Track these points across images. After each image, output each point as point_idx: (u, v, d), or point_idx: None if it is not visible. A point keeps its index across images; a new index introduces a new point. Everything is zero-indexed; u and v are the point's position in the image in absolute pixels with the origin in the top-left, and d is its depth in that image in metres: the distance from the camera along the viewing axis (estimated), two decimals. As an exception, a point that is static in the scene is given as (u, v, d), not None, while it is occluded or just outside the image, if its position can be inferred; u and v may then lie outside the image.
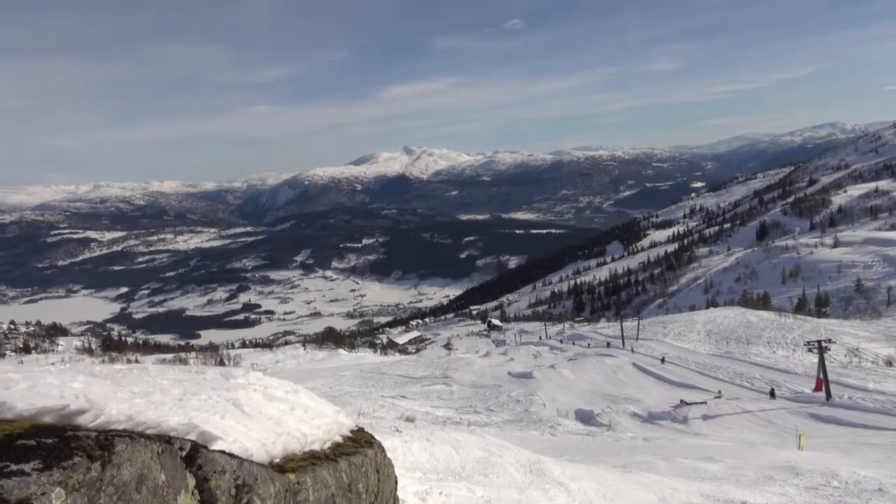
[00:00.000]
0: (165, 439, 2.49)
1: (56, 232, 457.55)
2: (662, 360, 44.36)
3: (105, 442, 2.16)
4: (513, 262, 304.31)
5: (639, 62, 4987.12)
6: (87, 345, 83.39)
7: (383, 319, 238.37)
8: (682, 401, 31.18)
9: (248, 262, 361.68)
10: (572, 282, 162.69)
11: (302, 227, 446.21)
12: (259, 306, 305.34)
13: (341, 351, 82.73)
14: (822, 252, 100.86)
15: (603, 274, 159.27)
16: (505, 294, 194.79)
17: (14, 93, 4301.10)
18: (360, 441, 4.36)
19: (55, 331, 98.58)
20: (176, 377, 3.98)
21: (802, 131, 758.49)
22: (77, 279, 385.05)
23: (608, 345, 59.15)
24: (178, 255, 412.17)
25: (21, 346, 78.69)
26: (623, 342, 57.37)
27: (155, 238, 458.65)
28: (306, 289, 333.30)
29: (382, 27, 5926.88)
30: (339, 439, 4.11)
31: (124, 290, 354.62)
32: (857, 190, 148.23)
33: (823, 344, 32.09)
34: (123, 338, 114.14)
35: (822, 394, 29.94)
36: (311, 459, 3.40)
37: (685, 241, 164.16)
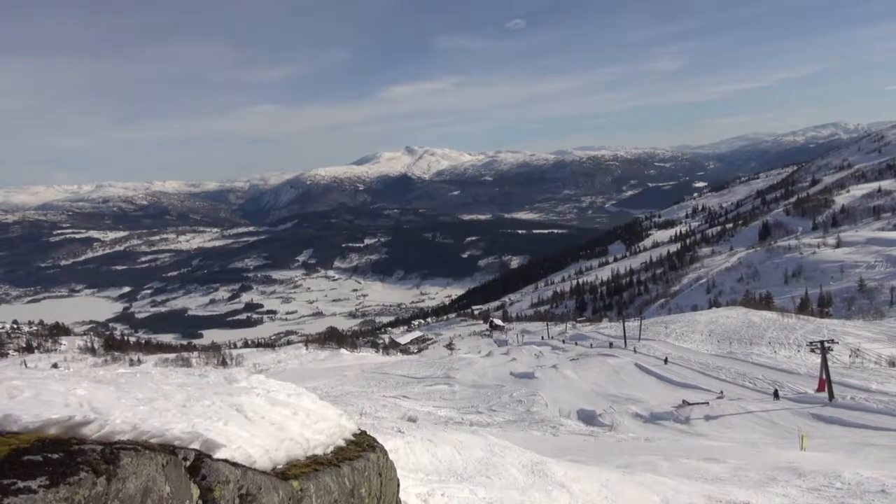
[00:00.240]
0: (170, 449, 2.49)
1: (59, 231, 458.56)
2: (665, 361, 44.30)
3: (110, 456, 2.17)
4: (515, 262, 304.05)
5: (641, 61, 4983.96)
6: (89, 344, 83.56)
7: (385, 319, 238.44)
8: (684, 401, 31.16)
9: (251, 262, 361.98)
10: (574, 282, 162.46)
11: (304, 226, 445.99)
12: (261, 306, 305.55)
13: (343, 351, 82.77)
14: (824, 252, 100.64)
15: (605, 274, 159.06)
16: (507, 294, 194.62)
17: (16, 93, 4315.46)
18: (362, 445, 4.36)
19: (58, 330, 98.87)
20: (179, 381, 3.98)
21: (805, 131, 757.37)
22: (80, 279, 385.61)
23: (610, 345, 59.11)
24: (180, 255, 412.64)
25: (24, 345, 78.86)
26: (625, 342, 57.35)
27: (157, 238, 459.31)
28: (308, 288, 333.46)
29: (384, 27, 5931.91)
30: (342, 443, 4.11)
31: (127, 289, 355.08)
32: (859, 190, 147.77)
33: (826, 344, 32.04)
34: (126, 337, 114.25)
35: (825, 394, 29.88)
36: (314, 465, 3.40)
37: (687, 241, 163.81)
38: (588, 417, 30.40)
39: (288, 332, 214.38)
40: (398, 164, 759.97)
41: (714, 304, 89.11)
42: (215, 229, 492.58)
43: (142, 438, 2.45)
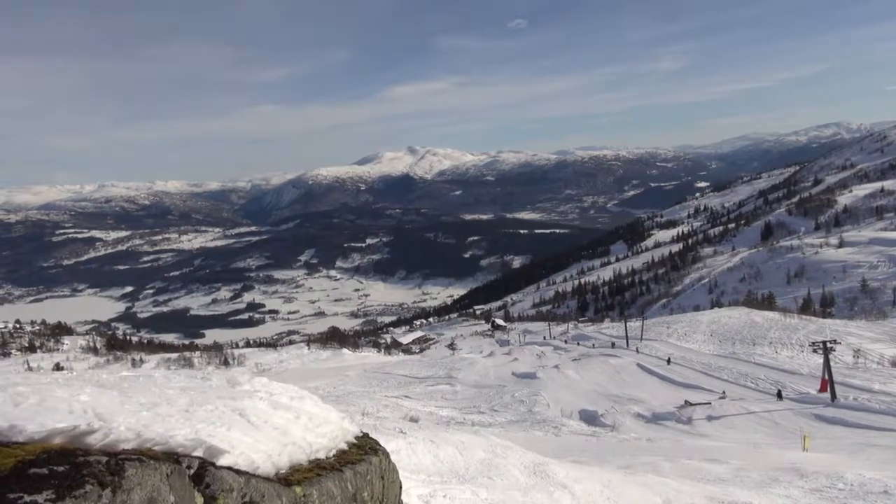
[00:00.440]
0: (174, 458, 2.48)
1: (61, 231, 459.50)
2: (668, 361, 44.25)
3: (115, 467, 2.17)
4: (517, 262, 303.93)
5: (643, 61, 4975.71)
6: (92, 344, 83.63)
7: (387, 319, 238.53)
8: (686, 401, 31.13)
9: (253, 262, 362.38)
10: (576, 282, 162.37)
11: (306, 226, 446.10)
12: (263, 306, 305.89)
13: (345, 350, 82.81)
14: (827, 252, 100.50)
15: (607, 274, 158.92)
16: (509, 294, 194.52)
17: (17, 93, 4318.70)
18: (364, 448, 4.35)
19: (60, 330, 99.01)
20: (182, 385, 3.98)
21: (807, 131, 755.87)
22: (82, 278, 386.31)
23: (612, 345, 59.10)
24: (182, 255, 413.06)
25: (27, 345, 78.96)
26: (627, 342, 57.30)
27: (159, 237, 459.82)
28: (310, 288, 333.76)
29: (385, 27, 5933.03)
30: (345, 446, 4.10)
31: (129, 289, 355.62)
32: (862, 190, 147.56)
33: (828, 345, 31.97)
34: (128, 337, 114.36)
35: (828, 395, 29.83)
36: (317, 470, 3.39)
37: (689, 241, 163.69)
38: (590, 418, 30.38)
39: (290, 332, 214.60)
40: (400, 164, 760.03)
41: (716, 304, 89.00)
42: (217, 229, 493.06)
43: (145, 446, 2.45)
